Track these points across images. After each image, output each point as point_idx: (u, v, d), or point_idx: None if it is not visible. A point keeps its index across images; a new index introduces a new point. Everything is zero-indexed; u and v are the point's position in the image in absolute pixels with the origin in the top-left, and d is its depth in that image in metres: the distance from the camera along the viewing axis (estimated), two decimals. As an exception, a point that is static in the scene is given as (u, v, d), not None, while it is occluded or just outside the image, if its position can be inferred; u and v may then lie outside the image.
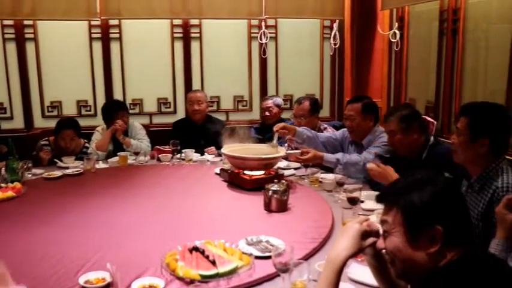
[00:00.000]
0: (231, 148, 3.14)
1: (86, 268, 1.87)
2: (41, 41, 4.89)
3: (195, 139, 4.13)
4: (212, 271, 1.79)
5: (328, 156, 3.16)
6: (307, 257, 1.97)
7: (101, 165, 3.71)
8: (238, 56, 5.22)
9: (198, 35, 5.11)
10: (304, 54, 5.35)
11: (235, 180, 3.02)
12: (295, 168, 3.44)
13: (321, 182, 3.01)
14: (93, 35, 4.95)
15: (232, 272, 1.80)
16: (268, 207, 2.54)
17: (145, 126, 4.75)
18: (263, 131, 4.25)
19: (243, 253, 1.95)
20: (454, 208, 1.27)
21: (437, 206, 1.25)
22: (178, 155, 3.84)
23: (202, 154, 3.89)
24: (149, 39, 5.05)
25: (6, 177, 3.08)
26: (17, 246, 2.17)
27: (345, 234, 1.39)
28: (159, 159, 3.80)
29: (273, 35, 5.23)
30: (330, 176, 3.02)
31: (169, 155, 3.78)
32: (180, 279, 1.77)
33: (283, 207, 2.54)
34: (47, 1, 4.58)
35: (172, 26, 5.05)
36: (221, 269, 1.80)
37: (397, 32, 4.52)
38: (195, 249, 1.92)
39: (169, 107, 5.18)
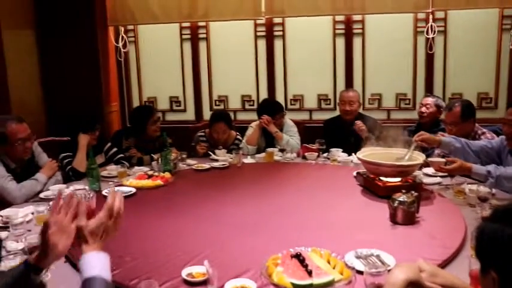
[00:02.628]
0: (368, 152, 3.01)
1: (195, 261, 1.97)
2: (212, 40, 5.27)
3: (345, 138, 4.06)
4: (306, 281, 1.75)
5: (478, 168, 2.83)
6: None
7: (248, 159, 3.87)
8: (402, 51, 4.95)
9: (360, 30, 4.99)
10: (476, 48, 4.84)
11: (369, 185, 2.90)
12: (442, 177, 3.15)
13: (466, 194, 2.71)
14: (258, 33, 5.17)
15: (327, 285, 1.75)
16: (393, 219, 2.38)
17: (304, 122, 4.85)
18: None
19: (346, 266, 1.87)
20: None
21: (498, 248, 1.06)
22: (324, 154, 3.82)
23: (349, 154, 3.81)
24: (311, 36, 5.08)
25: (160, 167, 3.41)
26: (147, 230, 2.40)
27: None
28: (304, 157, 3.82)
29: (442, 28, 4.83)
30: (480, 189, 2.70)
31: (315, 154, 3.78)
32: (274, 284, 1.78)
33: (409, 219, 2.36)
34: (218, 3, 4.95)
35: (335, 22, 5.00)
36: (316, 281, 1.75)
37: None
38: (296, 256, 1.90)
39: (329, 104, 5.16)
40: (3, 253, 2.19)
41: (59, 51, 4.94)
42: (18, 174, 3.12)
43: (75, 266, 2.06)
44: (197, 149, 4.07)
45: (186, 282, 1.83)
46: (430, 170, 3.26)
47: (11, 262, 2.01)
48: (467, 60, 4.86)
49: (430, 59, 4.91)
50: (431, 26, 4.74)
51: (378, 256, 1.96)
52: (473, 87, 4.85)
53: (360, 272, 1.82)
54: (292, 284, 1.74)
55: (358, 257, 1.96)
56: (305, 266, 1.83)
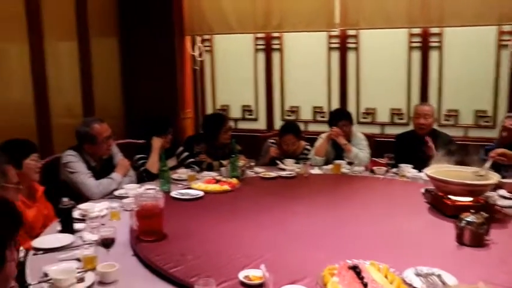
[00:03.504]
0: (437, 169, 2.93)
1: (254, 265, 2.02)
2: (285, 51, 5.34)
3: (417, 154, 3.96)
4: (361, 293, 1.75)
5: None
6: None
7: (316, 170, 3.87)
8: (482, 65, 4.75)
9: (437, 44, 4.86)
10: None
11: (436, 203, 2.81)
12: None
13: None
14: (332, 45, 5.18)
15: (382, 298, 1.73)
16: (459, 239, 2.30)
17: (375, 136, 4.79)
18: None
19: (404, 282, 1.84)
20: None
21: None
22: (393, 169, 3.76)
23: (420, 170, 3.71)
24: (386, 48, 5.02)
25: (228, 172, 3.50)
26: (211, 232, 2.50)
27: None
28: (372, 171, 3.78)
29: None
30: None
31: (384, 168, 3.72)
32: (328, 294, 1.79)
33: (477, 241, 2.26)
34: (293, 15, 5.03)
35: (410, 35, 4.91)
36: (371, 294, 1.75)
37: None
38: (353, 268, 1.90)
39: (403, 118, 5.06)
40: (80, 242, 2.36)
41: (138, 59, 5.22)
42: (97, 172, 3.33)
43: (142, 259, 2.19)
44: (271, 150, 4.13)
45: (242, 284, 1.89)
46: (506, 192, 3.11)
47: (85, 251, 2.17)
48: None
49: (513, 75, 4.69)
50: (516, 39, 4.54)
51: (439, 276, 1.91)
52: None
53: (418, 291, 1.79)
54: (347, 294, 1.75)
55: (417, 275, 1.92)
56: (361, 279, 1.82)
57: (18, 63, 3.87)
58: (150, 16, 5.15)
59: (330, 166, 3.92)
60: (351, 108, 5.12)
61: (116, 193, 3.22)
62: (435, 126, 4.31)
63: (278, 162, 4.01)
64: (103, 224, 2.54)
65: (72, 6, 4.46)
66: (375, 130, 5.12)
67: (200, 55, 5.55)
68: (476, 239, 2.27)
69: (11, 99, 3.81)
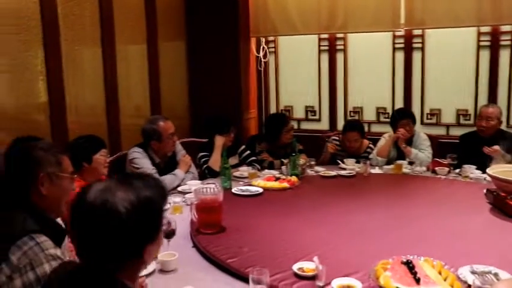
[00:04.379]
0: (500, 169, 2.86)
1: (308, 258, 2.07)
2: (349, 52, 5.33)
3: (480, 155, 3.84)
4: (412, 288, 1.76)
5: None
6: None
7: (376, 170, 3.86)
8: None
9: (509, 42, 4.68)
10: None
11: (499, 204, 2.74)
12: None
13: None
14: (396, 45, 5.10)
15: (434, 294, 1.74)
16: (520, 239, 2.25)
17: (440, 137, 4.69)
18: None
19: (458, 279, 1.83)
20: None
21: None
22: (456, 170, 3.67)
23: (483, 171, 3.61)
24: (452, 48, 4.89)
25: (288, 171, 3.57)
26: (268, 227, 2.58)
27: None
28: (434, 172, 3.71)
29: None
30: None
31: (446, 169, 3.65)
32: (380, 287, 1.81)
33: (539, 242, 2.21)
34: (357, 15, 5.00)
35: (479, 33, 4.76)
36: (422, 288, 1.75)
37: None
38: (406, 263, 1.91)
39: (469, 119, 4.91)
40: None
41: (205, 61, 5.37)
42: (161, 169, 3.50)
43: (200, 251, 2.29)
44: (328, 146, 4.17)
45: (296, 275, 1.95)
46: None
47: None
48: None
49: None
50: None
51: (495, 274, 1.88)
52: None
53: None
54: (398, 288, 1.76)
55: (473, 272, 1.90)
56: (414, 274, 1.84)
57: (92, 66, 4.11)
58: (216, 19, 5.29)
59: (391, 166, 3.89)
60: (415, 109, 5.02)
61: (179, 189, 3.37)
62: (504, 127, 4.16)
63: (339, 161, 4.02)
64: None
65: (142, 11, 4.68)
66: (440, 131, 5.00)
67: (264, 56, 5.64)
68: (539, 241, 2.21)
69: (85, 100, 4.06)
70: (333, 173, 3.68)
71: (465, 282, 1.82)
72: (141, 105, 4.78)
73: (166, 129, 3.54)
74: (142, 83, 4.77)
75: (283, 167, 3.80)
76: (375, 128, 5.26)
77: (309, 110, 5.61)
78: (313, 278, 1.91)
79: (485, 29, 4.74)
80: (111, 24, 4.23)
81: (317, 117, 5.58)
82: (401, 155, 4.14)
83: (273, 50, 5.67)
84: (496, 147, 3.67)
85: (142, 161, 3.45)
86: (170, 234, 2.29)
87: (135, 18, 4.60)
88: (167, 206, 2.90)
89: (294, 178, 3.45)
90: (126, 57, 4.50)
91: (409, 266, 1.88)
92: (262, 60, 5.64)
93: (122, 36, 4.37)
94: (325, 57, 5.45)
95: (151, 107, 4.83)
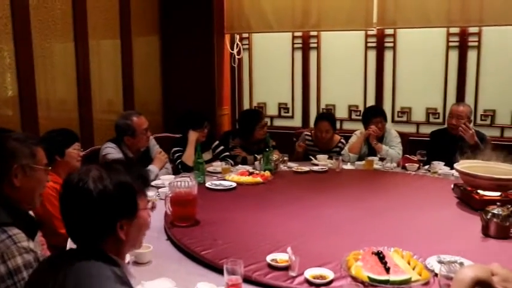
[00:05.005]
0: (467, 164, 2.94)
1: (281, 250, 2.09)
2: (322, 50, 5.39)
3: (450, 152, 3.94)
4: (382, 277, 1.81)
5: None
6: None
7: (348, 166, 3.93)
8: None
9: (476, 43, 4.81)
10: None
11: (465, 198, 2.83)
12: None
13: None
14: (369, 44, 5.20)
15: (403, 283, 1.79)
16: (485, 231, 2.33)
17: (411, 134, 4.80)
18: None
19: (426, 268, 1.89)
20: None
21: None
22: (426, 166, 3.77)
23: (452, 168, 3.70)
24: (423, 48, 5.00)
25: (261, 166, 3.60)
26: (242, 220, 2.59)
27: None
28: (404, 168, 3.79)
29: None
30: None
31: (416, 165, 3.74)
32: (351, 277, 1.85)
33: (503, 233, 2.29)
34: (330, 14, 5.09)
35: (448, 34, 4.88)
36: (392, 277, 1.80)
37: None
38: (377, 253, 1.96)
39: (438, 118, 5.03)
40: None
41: (178, 57, 5.37)
42: None
43: (175, 243, 2.30)
44: (296, 145, 4.23)
45: (269, 266, 1.97)
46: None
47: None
48: None
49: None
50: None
51: (461, 264, 1.94)
52: None
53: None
54: (369, 277, 1.81)
55: (440, 262, 1.96)
56: (384, 263, 1.88)
57: (64, 60, 4.06)
58: (191, 15, 5.29)
59: (362, 162, 3.96)
60: (387, 107, 5.12)
61: (153, 183, 3.36)
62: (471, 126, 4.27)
63: (311, 157, 4.07)
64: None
65: (116, 5, 4.64)
66: (411, 129, 5.11)
67: (238, 53, 5.66)
68: (502, 231, 2.29)
69: (57, 95, 4.01)
70: (306, 168, 3.72)
71: (432, 271, 1.87)
72: (114, 100, 4.75)
73: (140, 124, 3.53)
74: (116, 78, 4.74)
75: (257, 163, 3.83)
76: (347, 126, 5.35)
77: (282, 107, 5.66)
78: (286, 268, 1.93)
79: (454, 30, 4.87)
80: (83, 18, 4.19)
81: (290, 114, 5.63)
82: (373, 152, 4.22)
83: (247, 47, 5.70)
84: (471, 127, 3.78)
85: (115, 156, 3.43)
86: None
87: (108, 13, 4.56)
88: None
89: (267, 173, 3.48)
90: (99, 52, 4.47)
91: (380, 256, 1.93)
92: (236, 57, 5.66)
93: (94, 30, 4.34)
94: (298, 55, 5.50)
95: (124, 102, 4.81)
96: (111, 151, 3.46)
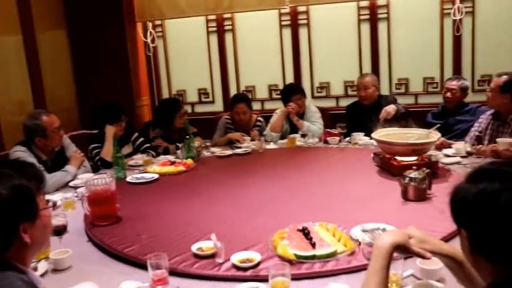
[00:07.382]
0: (384, 132, 3.02)
1: (206, 237, 2.04)
2: (237, 32, 5.34)
3: (366, 122, 4.05)
4: (308, 252, 1.81)
5: None
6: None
7: (271, 145, 3.93)
8: (428, 34, 4.88)
9: (385, 15, 4.94)
10: (506, 27, 4.70)
11: (385, 165, 2.92)
12: (462, 157, 3.11)
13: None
14: (283, 23, 5.21)
15: (329, 255, 1.80)
16: (404, 195, 2.41)
17: (331, 109, 4.87)
18: (441, 116, 3.94)
19: (351, 239, 1.91)
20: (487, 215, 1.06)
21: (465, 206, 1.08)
22: (346, 138, 3.84)
23: (371, 137, 3.80)
24: (336, 23, 5.07)
25: (183, 154, 3.52)
26: (166, 212, 2.52)
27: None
28: (326, 142, 3.85)
29: (469, 9, 4.73)
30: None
31: (337, 138, 3.80)
32: (278, 256, 1.84)
33: (420, 196, 2.38)
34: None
35: (359, 8, 4.98)
36: (318, 252, 1.81)
37: None
38: (302, 230, 1.96)
39: (355, 90, 5.13)
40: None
41: (89, 50, 5.14)
42: (49, 166, 3.29)
43: (96, 244, 2.19)
44: (252, 135, 4.19)
45: (195, 255, 1.92)
46: (450, 151, 3.24)
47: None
48: (496, 41, 4.73)
49: (457, 41, 4.82)
50: (458, 7, 4.65)
51: (383, 230, 1.98)
52: (502, 67, 4.72)
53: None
54: (295, 255, 1.80)
55: (364, 231, 1.99)
56: (309, 239, 1.89)
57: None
58: (98, 5, 5.06)
59: (285, 140, 3.98)
60: (305, 83, 5.18)
61: (71, 184, 3.20)
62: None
63: (233, 141, 4.05)
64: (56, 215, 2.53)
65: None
66: (330, 103, 5.20)
67: (153, 41, 5.49)
68: (419, 194, 2.39)
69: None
70: (229, 152, 3.69)
71: (357, 240, 1.90)
72: (24, 100, 4.47)
73: (51, 123, 3.31)
74: (23, 76, 4.46)
75: (179, 151, 3.74)
76: (268, 105, 5.36)
77: (201, 92, 5.57)
78: (212, 256, 1.89)
79: (364, 3, 4.98)
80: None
81: (210, 99, 5.56)
82: (295, 129, 4.24)
83: (160, 34, 5.54)
84: (390, 108, 3.85)
85: (27, 160, 3.21)
86: (61, 230, 2.16)
87: (5, 6, 4.25)
88: (58, 202, 2.75)
89: (189, 161, 3.41)
90: (0, 50, 4.17)
91: (305, 232, 1.93)
92: (151, 45, 5.49)
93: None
94: (214, 38, 5.43)
95: (34, 101, 4.54)
96: (22, 155, 3.23)
